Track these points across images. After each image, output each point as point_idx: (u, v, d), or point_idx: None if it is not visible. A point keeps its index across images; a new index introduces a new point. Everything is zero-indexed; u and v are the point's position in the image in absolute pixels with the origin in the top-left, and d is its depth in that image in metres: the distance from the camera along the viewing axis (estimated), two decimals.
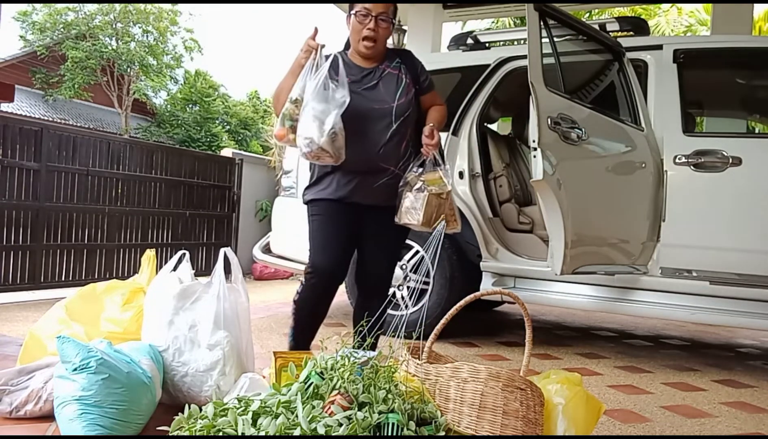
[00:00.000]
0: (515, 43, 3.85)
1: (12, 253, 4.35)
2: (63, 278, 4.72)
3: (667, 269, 2.95)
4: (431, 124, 2.16)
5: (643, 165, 2.94)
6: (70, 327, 2.05)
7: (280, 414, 1.37)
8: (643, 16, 10.36)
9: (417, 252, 3.34)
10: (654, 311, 3.01)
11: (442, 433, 1.44)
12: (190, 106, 18.92)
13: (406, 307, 3.33)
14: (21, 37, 16.48)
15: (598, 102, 2.98)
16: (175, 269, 2.05)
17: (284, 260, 3.87)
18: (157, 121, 18.36)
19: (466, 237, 3.35)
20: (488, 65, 3.53)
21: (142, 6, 16.61)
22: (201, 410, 1.46)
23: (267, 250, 4.13)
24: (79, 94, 15.93)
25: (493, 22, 11.92)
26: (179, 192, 5.88)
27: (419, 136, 2.16)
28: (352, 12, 2.11)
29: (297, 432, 1.30)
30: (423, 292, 3.31)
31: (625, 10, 9.36)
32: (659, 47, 3.17)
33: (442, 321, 1.66)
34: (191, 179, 6.02)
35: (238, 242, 6.64)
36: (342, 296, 3.96)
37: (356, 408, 1.34)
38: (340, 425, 1.30)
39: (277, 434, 1.31)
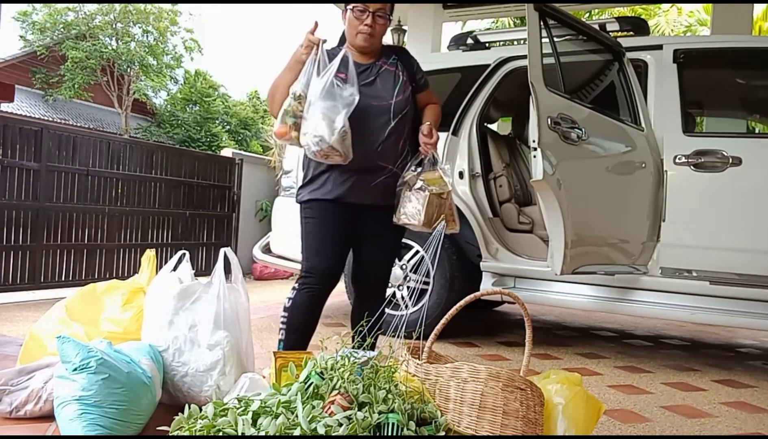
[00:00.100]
0: (515, 43, 3.85)
1: (12, 253, 4.35)
2: (63, 278, 4.72)
3: (667, 269, 2.95)
4: (429, 123, 2.14)
5: (643, 165, 2.94)
6: (70, 327, 2.05)
7: (280, 414, 1.36)
8: (643, 16, 10.36)
9: (417, 252, 3.34)
10: (654, 311, 3.01)
11: (442, 433, 1.44)
12: (190, 106, 18.92)
13: (406, 307, 3.33)
14: (21, 37, 16.48)
15: (598, 102, 2.98)
16: (175, 269, 2.05)
17: (284, 259, 3.87)
18: (157, 121, 18.36)
19: (466, 237, 3.35)
20: (488, 65, 3.53)
21: (142, 6, 16.61)
22: (201, 410, 1.46)
23: (267, 250, 4.13)
24: (79, 94, 15.93)
25: (493, 22, 11.92)
26: (179, 192, 5.88)
27: (415, 135, 2.13)
28: (349, 7, 2.07)
29: (297, 432, 1.30)
30: (423, 292, 3.31)
31: (625, 10, 9.37)
32: (659, 47, 3.17)
33: (442, 321, 1.66)
34: (191, 179, 6.02)
35: (238, 242, 6.65)
36: (342, 296, 3.97)
37: (356, 408, 1.34)
38: (340, 425, 1.30)
39: (277, 434, 1.31)
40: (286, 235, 3.84)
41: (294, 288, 2.13)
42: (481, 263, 3.30)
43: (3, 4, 4.20)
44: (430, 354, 1.65)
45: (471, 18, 8.23)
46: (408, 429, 1.34)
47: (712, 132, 3.98)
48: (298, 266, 3.68)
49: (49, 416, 1.71)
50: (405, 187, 2.10)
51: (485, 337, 3.63)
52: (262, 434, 1.32)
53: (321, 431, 1.28)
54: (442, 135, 3.43)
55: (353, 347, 1.74)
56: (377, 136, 2.05)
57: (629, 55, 3.13)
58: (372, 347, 1.69)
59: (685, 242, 2.93)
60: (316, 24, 2.00)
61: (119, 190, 5.23)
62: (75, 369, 1.55)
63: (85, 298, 2.21)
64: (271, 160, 7.49)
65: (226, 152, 7.25)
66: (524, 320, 1.67)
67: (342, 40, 2.19)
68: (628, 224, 2.94)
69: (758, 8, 10.75)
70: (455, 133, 3.45)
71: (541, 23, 2.67)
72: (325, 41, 2.00)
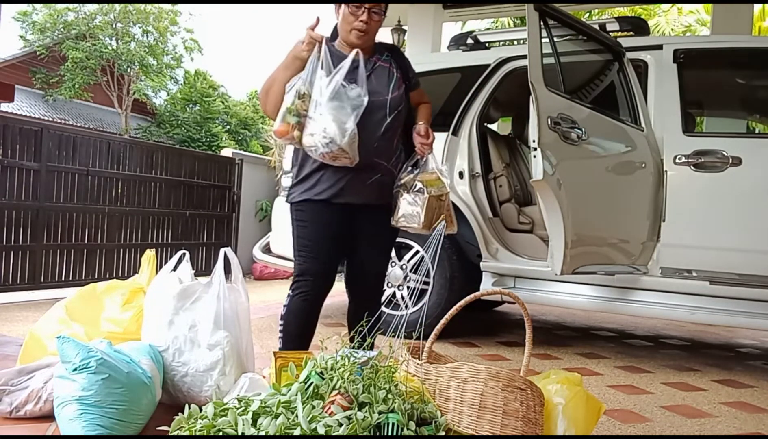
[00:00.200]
0: (515, 43, 3.85)
1: (12, 253, 4.35)
2: (63, 278, 4.72)
3: (667, 269, 2.95)
4: (424, 123, 2.10)
5: (643, 165, 2.94)
6: (70, 327, 2.05)
7: (280, 414, 1.36)
8: (643, 16, 10.36)
9: (417, 252, 3.34)
10: (654, 311, 3.01)
11: (442, 433, 1.44)
12: (190, 106, 18.92)
13: (406, 307, 3.33)
14: (21, 37, 16.49)
15: (598, 102, 2.98)
16: (175, 269, 2.05)
17: (284, 259, 3.87)
18: (157, 121, 18.36)
19: (466, 237, 3.35)
20: (488, 65, 3.53)
21: (142, 6, 16.62)
22: (201, 410, 1.46)
23: (267, 250, 4.13)
24: (79, 94, 15.94)
25: (493, 22, 11.92)
26: (179, 192, 5.88)
27: (408, 134, 2.10)
28: (344, 2, 2.01)
29: (297, 432, 1.30)
30: (423, 292, 3.31)
31: (625, 10, 9.37)
32: (659, 47, 3.17)
33: (442, 321, 1.66)
34: (191, 179, 6.02)
35: (238, 242, 6.64)
36: (342, 296, 3.97)
37: (356, 408, 1.34)
38: (340, 425, 1.30)
39: (277, 434, 1.31)
40: (286, 235, 3.81)
41: (288, 294, 2.09)
42: (481, 263, 3.31)
43: (3, 4, 4.20)
44: (430, 354, 1.65)
45: (471, 18, 8.23)
46: (408, 429, 1.34)
47: (712, 132, 3.98)
48: None
49: (49, 416, 1.71)
50: (402, 189, 2.05)
51: (485, 337, 3.63)
52: (262, 434, 1.32)
53: (321, 431, 1.28)
54: (442, 135, 3.44)
55: (352, 348, 1.73)
56: (374, 132, 2.00)
57: (629, 55, 3.13)
58: (371, 348, 1.69)
59: (685, 242, 2.93)
60: (318, 19, 1.96)
61: (119, 190, 5.23)
62: (75, 369, 1.55)
63: (85, 298, 2.21)
64: (271, 160, 7.49)
65: (226, 152, 7.25)
66: (524, 320, 1.67)
67: (334, 36, 2.12)
68: (628, 224, 2.94)
69: (757, 8, 10.74)
70: (455, 133, 3.46)
71: (541, 23, 2.67)
72: (327, 38, 1.96)
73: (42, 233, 4.53)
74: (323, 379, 1.45)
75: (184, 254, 2.08)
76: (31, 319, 3.43)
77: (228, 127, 19.39)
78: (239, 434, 1.34)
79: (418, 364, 1.61)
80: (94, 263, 4.98)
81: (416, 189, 2.02)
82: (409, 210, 2.02)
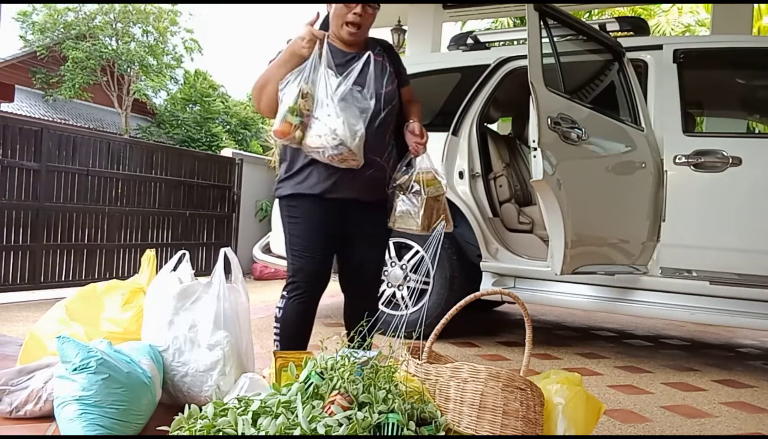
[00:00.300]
0: (515, 43, 3.86)
1: (12, 253, 4.35)
2: (63, 278, 4.72)
3: (667, 269, 2.95)
4: (417, 121, 2.06)
5: (643, 165, 2.94)
6: (70, 327, 2.05)
7: (280, 414, 1.36)
8: (643, 16, 10.36)
9: (417, 252, 3.34)
10: (654, 311, 3.01)
11: (442, 433, 1.44)
12: (190, 106, 18.93)
13: (406, 307, 3.33)
14: (21, 37, 16.50)
15: (598, 102, 2.98)
16: (175, 269, 2.05)
17: (284, 259, 3.86)
18: (157, 122, 18.37)
19: (466, 237, 3.35)
20: (488, 65, 3.53)
21: (142, 6, 16.63)
22: (201, 410, 1.46)
23: (267, 250, 4.13)
24: (79, 94, 15.95)
25: (492, 22, 11.92)
26: (179, 192, 5.88)
27: (399, 132, 2.06)
28: None
29: (297, 432, 1.30)
30: (423, 292, 3.31)
31: (625, 10, 9.37)
32: (659, 47, 3.17)
33: (442, 321, 1.66)
34: (191, 179, 6.02)
35: (238, 242, 6.64)
36: (342, 295, 3.96)
37: (356, 408, 1.34)
38: (340, 425, 1.30)
39: (277, 434, 1.31)
40: None
41: (283, 296, 2.06)
42: (481, 263, 3.31)
43: (3, 4, 4.20)
44: (430, 354, 1.65)
45: (471, 18, 8.24)
46: (408, 429, 1.34)
47: (712, 132, 3.98)
48: None
49: (49, 416, 1.70)
50: (398, 190, 2.02)
51: (485, 337, 3.63)
52: (262, 434, 1.32)
53: (321, 431, 1.28)
54: (442, 135, 3.44)
55: (351, 347, 1.72)
56: (368, 127, 1.94)
57: (629, 55, 3.13)
58: (369, 348, 1.68)
59: (685, 242, 2.93)
60: (318, 15, 1.93)
61: (119, 190, 5.23)
62: (75, 369, 1.55)
63: (85, 298, 2.21)
64: (271, 160, 7.49)
65: (226, 152, 7.24)
66: (524, 320, 1.67)
67: (325, 28, 2.04)
68: (628, 224, 2.94)
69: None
70: (455, 133, 3.46)
71: (541, 23, 2.67)
72: (328, 35, 1.91)
73: (42, 233, 4.53)
74: (323, 379, 1.45)
75: (184, 254, 2.08)
76: (31, 319, 3.43)
77: (228, 127, 19.40)
78: (239, 434, 1.34)
79: (418, 364, 1.61)
80: (94, 263, 4.98)
81: (413, 190, 1.98)
82: (406, 212, 1.99)
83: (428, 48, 6.38)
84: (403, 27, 7.32)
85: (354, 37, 2.00)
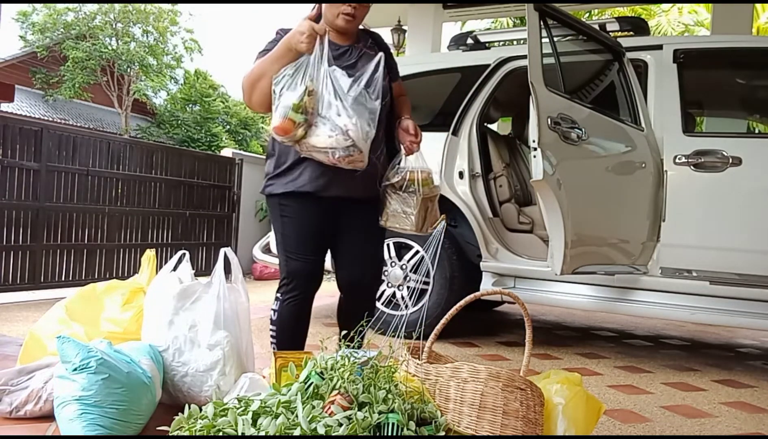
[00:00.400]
0: (515, 43, 3.86)
1: (12, 253, 4.35)
2: (63, 278, 4.72)
3: (667, 269, 2.95)
4: (410, 118, 2.02)
5: (643, 165, 2.94)
6: (70, 327, 2.05)
7: (280, 414, 1.36)
8: (643, 16, 10.36)
9: (417, 252, 3.34)
10: (654, 311, 3.00)
11: (442, 433, 1.44)
12: (190, 106, 18.94)
13: (406, 307, 3.33)
14: (21, 37, 16.51)
15: (598, 102, 2.98)
16: (175, 269, 2.05)
17: None
18: (157, 122, 18.38)
19: (466, 237, 3.35)
20: (488, 65, 3.53)
21: (142, 6, 16.63)
22: (201, 410, 1.45)
23: (267, 250, 4.13)
24: (79, 94, 15.96)
25: (492, 22, 11.92)
26: (179, 192, 5.88)
27: (389, 128, 2.03)
28: None
29: (297, 432, 1.30)
30: (423, 292, 3.31)
31: (625, 10, 9.37)
32: (659, 47, 3.17)
33: (442, 321, 1.66)
34: (191, 179, 6.02)
35: (238, 242, 6.64)
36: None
37: (356, 408, 1.34)
38: (340, 425, 1.30)
39: (277, 434, 1.31)
40: None
41: (277, 298, 2.02)
42: (481, 263, 3.31)
43: (3, 4, 4.20)
44: (430, 354, 1.65)
45: (471, 18, 8.24)
46: (408, 429, 1.34)
47: (712, 132, 3.98)
48: None
49: (49, 416, 1.71)
50: (390, 189, 1.98)
51: (485, 337, 3.63)
52: (262, 434, 1.32)
53: (321, 431, 1.28)
54: (442, 135, 3.44)
55: (348, 347, 1.68)
56: None
57: (629, 55, 3.13)
58: (359, 346, 1.67)
59: (685, 242, 2.93)
60: (318, 9, 1.89)
61: (119, 190, 5.22)
62: (75, 369, 1.55)
63: (85, 298, 2.21)
64: None
65: (226, 152, 7.24)
66: (524, 320, 1.67)
67: (318, 19, 1.97)
68: (628, 224, 2.94)
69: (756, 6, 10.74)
70: (455, 133, 3.46)
71: (541, 23, 2.67)
72: (328, 31, 1.85)
73: (42, 233, 4.53)
74: (323, 379, 1.45)
75: (184, 254, 2.08)
76: (31, 319, 3.43)
77: (228, 127, 19.41)
78: (239, 434, 1.34)
79: (418, 364, 1.61)
80: (94, 263, 4.98)
81: (409, 190, 1.95)
82: (400, 211, 1.95)
83: (428, 48, 6.38)
84: (403, 27, 7.32)
85: (349, 25, 1.94)
